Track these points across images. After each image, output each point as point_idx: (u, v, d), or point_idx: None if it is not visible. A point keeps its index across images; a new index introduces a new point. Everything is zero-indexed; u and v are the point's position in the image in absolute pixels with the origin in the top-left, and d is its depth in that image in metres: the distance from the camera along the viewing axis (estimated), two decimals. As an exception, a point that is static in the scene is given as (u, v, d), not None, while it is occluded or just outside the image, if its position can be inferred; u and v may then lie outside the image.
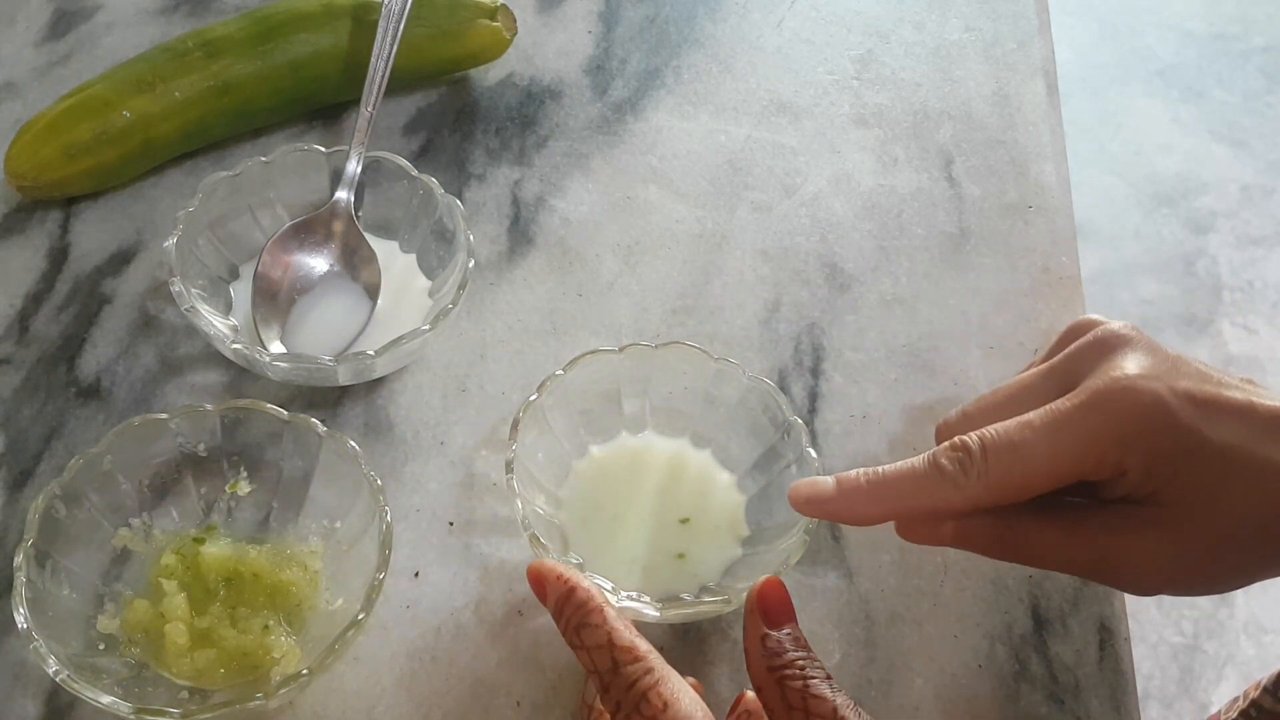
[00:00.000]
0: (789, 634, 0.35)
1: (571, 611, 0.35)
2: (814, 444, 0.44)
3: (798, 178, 0.59)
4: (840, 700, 0.33)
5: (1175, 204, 1.81)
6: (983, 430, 0.38)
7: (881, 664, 0.44)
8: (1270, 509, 0.36)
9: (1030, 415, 0.38)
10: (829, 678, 0.34)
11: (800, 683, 0.34)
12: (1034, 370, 0.42)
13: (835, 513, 0.40)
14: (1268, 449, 0.36)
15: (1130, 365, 0.38)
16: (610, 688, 0.34)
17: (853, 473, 0.39)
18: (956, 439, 0.38)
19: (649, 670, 0.33)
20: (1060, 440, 0.37)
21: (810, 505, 0.40)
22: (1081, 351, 0.40)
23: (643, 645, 0.34)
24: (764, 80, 0.63)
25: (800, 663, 0.34)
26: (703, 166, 0.59)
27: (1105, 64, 2.02)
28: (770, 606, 0.36)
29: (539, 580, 0.36)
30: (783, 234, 0.57)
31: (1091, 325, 0.41)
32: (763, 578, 0.37)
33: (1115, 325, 0.40)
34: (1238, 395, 0.37)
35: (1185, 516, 0.37)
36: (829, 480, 0.40)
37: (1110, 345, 0.40)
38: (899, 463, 0.39)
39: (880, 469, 0.39)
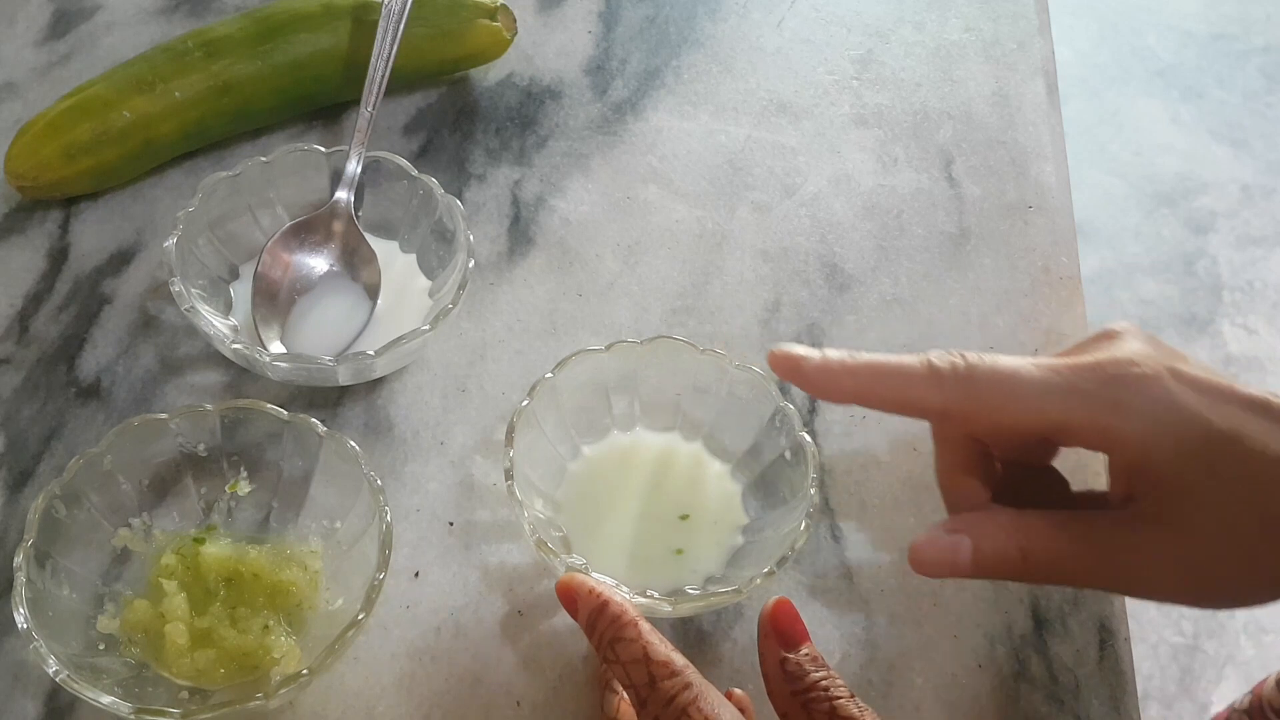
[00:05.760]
0: (807, 654, 0.35)
1: (605, 626, 0.34)
2: (814, 444, 0.44)
3: (798, 178, 0.59)
4: (869, 718, 0.33)
5: (1175, 204, 1.81)
6: (984, 353, 0.38)
7: (881, 664, 0.44)
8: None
9: (1033, 359, 0.38)
10: (852, 695, 0.34)
11: (826, 704, 0.33)
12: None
13: (811, 376, 0.39)
14: None
15: (1133, 347, 0.38)
16: (647, 703, 0.33)
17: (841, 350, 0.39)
18: (956, 351, 0.38)
19: (687, 685, 0.33)
20: (1053, 387, 0.37)
21: (786, 362, 0.39)
22: (1087, 341, 0.40)
23: (678, 659, 0.33)
24: (764, 80, 0.63)
25: (823, 683, 0.34)
26: (703, 166, 0.59)
27: (1105, 64, 2.02)
28: (784, 628, 0.35)
29: (569, 595, 0.36)
30: (783, 234, 0.57)
31: None
32: (772, 599, 0.36)
33: (1121, 322, 0.41)
34: (1251, 390, 0.36)
35: (1186, 509, 0.35)
36: (815, 351, 0.39)
37: (1114, 334, 0.40)
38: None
39: (871, 355, 0.39)
